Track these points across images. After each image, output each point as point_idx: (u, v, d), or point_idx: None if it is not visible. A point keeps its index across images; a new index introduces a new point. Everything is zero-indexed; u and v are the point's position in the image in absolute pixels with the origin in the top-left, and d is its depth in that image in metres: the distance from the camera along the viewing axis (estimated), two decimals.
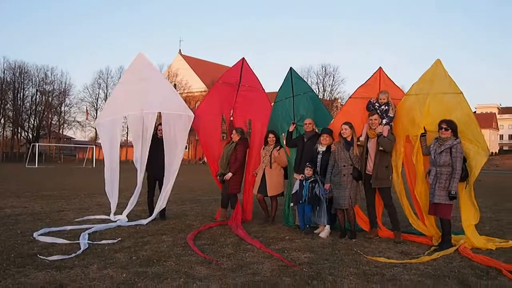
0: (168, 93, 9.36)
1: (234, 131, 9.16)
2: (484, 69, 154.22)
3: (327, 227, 7.89)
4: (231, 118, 9.42)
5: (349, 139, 7.76)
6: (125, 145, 65.57)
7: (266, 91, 9.78)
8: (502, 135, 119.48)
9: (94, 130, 75.33)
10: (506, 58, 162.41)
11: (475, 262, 5.94)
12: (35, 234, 7.17)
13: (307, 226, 8.02)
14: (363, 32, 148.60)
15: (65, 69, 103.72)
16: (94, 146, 62.34)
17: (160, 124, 9.16)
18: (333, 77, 76.65)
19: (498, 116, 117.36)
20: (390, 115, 7.66)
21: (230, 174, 9.02)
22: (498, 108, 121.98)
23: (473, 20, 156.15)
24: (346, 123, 7.81)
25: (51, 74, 72.69)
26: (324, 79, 76.72)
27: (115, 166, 9.35)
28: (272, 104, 9.43)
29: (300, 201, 8.02)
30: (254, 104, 9.58)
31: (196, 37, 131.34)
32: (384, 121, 7.63)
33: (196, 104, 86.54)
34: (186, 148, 75.19)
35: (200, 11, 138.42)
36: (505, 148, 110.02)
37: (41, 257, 5.77)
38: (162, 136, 9.08)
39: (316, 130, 8.53)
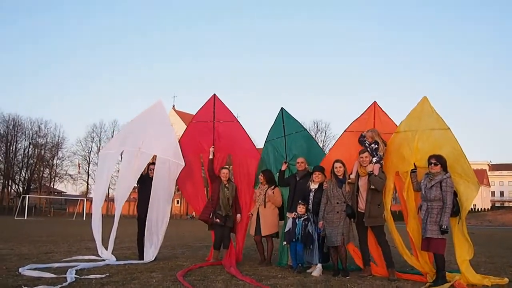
0: (169, 140, 9.39)
1: (225, 171, 9.09)
2: (474, 127, 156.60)
3: (319, 265, 7.76)
4: (211, 157, 9.23)
5: (341, 176, 7.77)
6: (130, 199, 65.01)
7: (257, 147, 9.82)
8: (494, 191, 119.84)
9: (86, 184, 74.98)
10: (496, 117, 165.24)
11: None
12: (21, 269, 7.00)
13: (300, 265, 7.88)
14: (355, 89, 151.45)
15: (58, 123, 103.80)
16: (85, 200, 61.76)
17: (152, 163, 9.15)
18: (325, 133, 77.36)
19: (489, 173, 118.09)
20: (380, 153, 7.70)
21: (239, 216, 9.07)
22: (488, 165, 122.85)
23: (462, 78, 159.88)
24: (338, 161, 7.83)
25: (45, 127, 72.81)
26: (316, 135, 77.30)
27: (100, 197, 9.51)
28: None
29: (293, 240, 7.92)
30: (232, 137, 9.54)
31: (189, 93, 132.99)
32: (374, 159, 7.66)
33: None
34: (178, 203, 74.16)
35: (193, 68, 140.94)
36: (497, 204, 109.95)
37: (25, 287, 5.61)
38: (152, 176, 9.07)
39: (308, 169, 8.54)
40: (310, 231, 7.88)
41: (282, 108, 9.34)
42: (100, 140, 75.24)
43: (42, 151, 71.84)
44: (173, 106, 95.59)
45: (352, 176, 7.76)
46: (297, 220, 8.00)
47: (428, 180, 6.93)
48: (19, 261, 8.38)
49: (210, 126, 9.53)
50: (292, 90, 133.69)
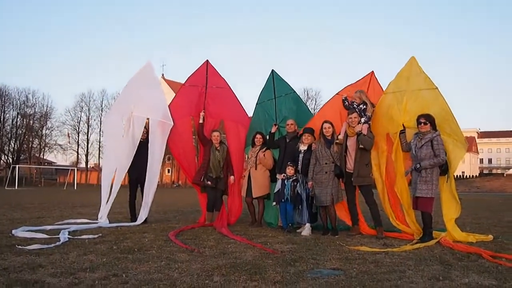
0: (159, 101, 9.44)
1: (216, 133, 9.12)
2: (463, 95, 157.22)
3: (308, 225, 7.89)
4: (201, 121, 9.26)
5: (330, 137, 7.83)
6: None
7: (250, 115, 9.86)
8: (482, 158, 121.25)
9: (76, 154, 74.79)
10: (485, 84, 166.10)
11: (456, 250, 5.99)
12: (14, 231, 7.07)
13: (290, 225, 8.01)
14: (345, 56, 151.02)
15: (46, 92, 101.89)
16: (76, 169, 61.66)
17: (144, 127, 9.17)
18: (315, 101, 77.19)
19: (477, 140, 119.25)
20: (368, 113, 7.76)
21: (232, 178, 9.13)
22: (477, 132, 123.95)
23: (452, 45, 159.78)
24: (327, 121, 7.89)
25: (33, 97, 71.90)
26: (306, 102, 76.95)
27: (112, 164, 9.34)
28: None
29: (283, 200, 8.03)
30: (224, 104, 9.56)
31: (179, 62, 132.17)
32: (362, 120, 7.72)
33: None
34: (168, 172, 74.21)
35: (183, 36, 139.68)
36: (485, 171, 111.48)
37: (19, 246, 5.69)
38: (144, 140, 9.11)
39: (298, 131, 8.58)
40: (299, 191, 7.99)
41: (272, 70, 9.32)
42: (89, 110, 74.65)
43: (31, 121, 71.22)
44: (162, 75, 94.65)
45: (341, 136, 7.82)
46: (286, 181, 8.10)
47: (418, 139, 7.00)
48: (11, 225, 8.45)
49: (202, 91, 9.53)
50: (283, 57, 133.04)
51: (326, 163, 7.71)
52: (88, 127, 74.38)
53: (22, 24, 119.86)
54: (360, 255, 5.60)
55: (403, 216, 7.53)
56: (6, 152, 71.01)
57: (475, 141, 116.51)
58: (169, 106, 9.41)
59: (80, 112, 74.45)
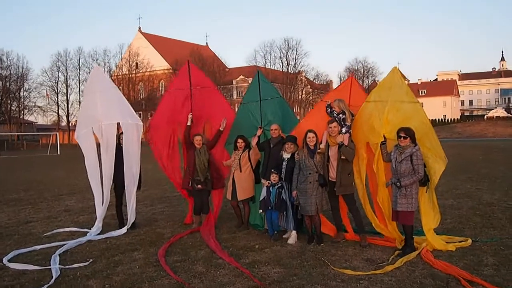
0: (121, 102, 9.45)
1: (198, 137, 9.13)
2: (445, 36, 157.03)
3: (294, 232, 8.09)
4: (189, 123, 9.26)
5: (313, 147, 7.91)
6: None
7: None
8: (463, 101, 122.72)
9: (56, 114, 74.04)
10: (466, 26, 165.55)
11: (435, 270, 6.24)
12: (4, 260, 7.13)
13: (276, 232, 8.21)
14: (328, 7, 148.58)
15: (21, 53, 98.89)
16: (58, 132, 61.23)
17: (121, 133, 9.17)
18: (296, 51, 76.61)
19: (458, 83, 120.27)
20: (348, 123, 7.83)
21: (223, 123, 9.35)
22: (458, 74, 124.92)
23: None
24: (311, 131, 7.93)
25: (7, 59, 70.62)
26: (287, 53, 76.52)
27: (96, 175, 9.29)
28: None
29: (269, 207, 8.19)
30: (210, 103, 9.62)
31: (156, 13, 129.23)
32: (343, 130, 7.79)
33: (160, 83, 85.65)
34: None
35: None
36: (466, 113, 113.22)
37: None
38: (122, 144, 9.14)
39: (283, 136, 8.64)
40: (284, 198, 8.14)
41: (258, 71, 9.37)
42: (66, 69, 73.53)
43: (7, 84, 70.00)
44: (139, 28, 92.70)
45: (322, 146, 7.90)
46: (271, 188, 8.24)
47: (398, 153, 7.10)
48: (0, 240, 8.58)
49: (188, 94, 9.53)
50: (262, 6, 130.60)
51: (310, 173, 7.81)
52: (66, 87, 73.44)
53: None
54: (344, 283, 5.82)
55: (385, 223, 7.75)
56: None
57: (456, 84, 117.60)
58: (156, 112, 9.63)
59: (57, 72, 73.46)
